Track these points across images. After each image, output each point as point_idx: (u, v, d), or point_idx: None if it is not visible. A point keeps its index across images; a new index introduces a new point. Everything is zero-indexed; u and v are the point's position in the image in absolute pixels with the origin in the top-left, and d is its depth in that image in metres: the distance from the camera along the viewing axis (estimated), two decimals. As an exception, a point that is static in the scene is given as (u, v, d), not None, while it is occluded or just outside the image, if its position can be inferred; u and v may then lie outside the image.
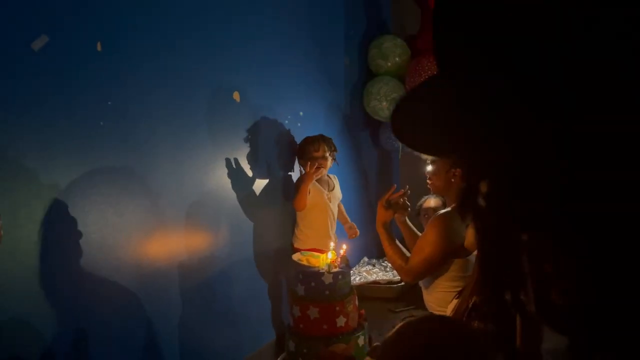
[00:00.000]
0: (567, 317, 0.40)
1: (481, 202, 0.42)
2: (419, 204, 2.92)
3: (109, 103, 1.71)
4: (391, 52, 3.40)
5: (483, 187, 0.42)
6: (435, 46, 0.44)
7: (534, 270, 0.41)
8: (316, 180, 2.61)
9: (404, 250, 2.21)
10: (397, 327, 1.00)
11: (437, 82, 0.46)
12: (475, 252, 2.08)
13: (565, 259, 0.39)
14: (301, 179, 2.57)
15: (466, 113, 0.40)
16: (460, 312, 1.60)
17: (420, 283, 2.29)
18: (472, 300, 1.56)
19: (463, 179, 0.45)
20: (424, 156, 2.19)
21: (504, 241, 0.42)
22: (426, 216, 2.74)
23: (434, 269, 2.09)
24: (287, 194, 2.64)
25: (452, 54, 0.42)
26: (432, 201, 2.89)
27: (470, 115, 0.40)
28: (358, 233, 2.72)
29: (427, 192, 2.97)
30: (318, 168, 2.53)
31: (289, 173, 2.70)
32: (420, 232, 2.48)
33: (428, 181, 2.21)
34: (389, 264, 2.93)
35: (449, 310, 1.75)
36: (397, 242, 2.25)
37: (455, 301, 1.72)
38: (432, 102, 0.46)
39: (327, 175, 2.70)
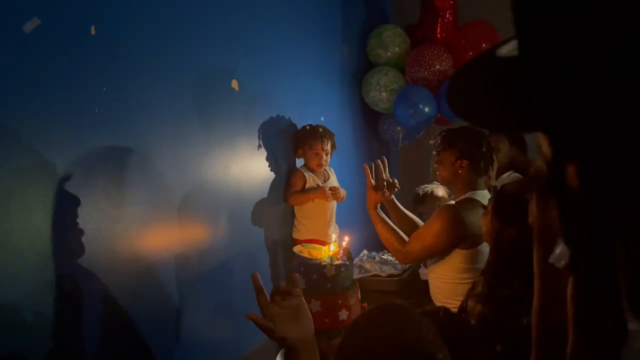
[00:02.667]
0: None
1: (573, 183, 0.37)
2: (421, 192, 2.88)
3: (104, 89, 1.65)
4: (391, 41, 3.34)
5: (571, 167, 0.37)
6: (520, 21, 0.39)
7: (632, 259, 0.36)
8: (311, 172, 2.57)
9: (400, 232, 2.18)
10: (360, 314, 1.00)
11: (514, 60, 0.42)
12: (482, 244, 2.05)
13: None
14: (301, 176, 2.52)
15: (558, 89, 0.36)
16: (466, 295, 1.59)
17: (425, 276, 2.26)
18: (485, 288, 1.54)
19: (547, 158, 0.40)
20: (433, 150, 2.17)
21: (600, 226, 0.37)
22: (435, 204, 2.72)
23: (432, 257, 2.09)
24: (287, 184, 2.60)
25: (543, 31, 0.38)
26: (440, 190, 2.86)
27: (565, 91, 0.36)
28: (341, 194, 2.60)
29: (425, 183, 2.95)
30: (334, 195, 2.52)
31: (289, 163, 2.65)
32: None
33: (437, 172, 2.19)
34: (390, 257, 2.90)
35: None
36: (392, 223, 2.23)
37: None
38: (506, 77, 0.41)
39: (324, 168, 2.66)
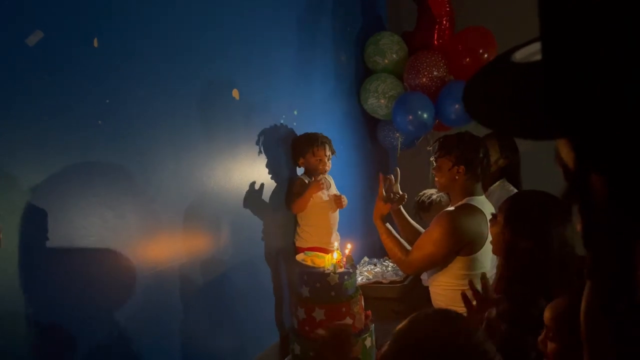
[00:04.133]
0: None
1: (596, 194, 0.37)
2: (427, 199, 2.87)
3: (107, 101, 1.65)
4: (388, 48, 3.37)
5: (595, 178, 0.38)
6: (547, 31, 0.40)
7: None
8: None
9: (403, 242, 2.19)
10: (409, 318, 1.03)
11: (535, 65, 0.42)
12: (481, 250, 2.05)
13: None
14: (301, 184, 2.53)
15: (582, 98, 0.36)
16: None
17: (427, 282, 2.26)
18: (509, 306, 1.52)
19: (569, 168, 0.41)
20: (431, 157, 2.18)
21: (621, 239, 0.37)
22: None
23: (435, 265, 2.08)
24: (288, 193, 2.60)
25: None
26: (444, 199, 2.85)
27: (590, 101, 0.36)
28: (345, 201, 2.62)
29: (423, 189, 2.95)
30: (337, 202, 2.57)
31: (290, 171, 2.66)
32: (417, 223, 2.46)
33: (435, 178, 2.19)
34: (391, 264, 2.90)
35: None
36: (396, 233, 2.23)
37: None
38: (527, 82, 0.41)
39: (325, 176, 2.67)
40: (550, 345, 1.16)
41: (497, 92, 0.47)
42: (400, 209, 2.35)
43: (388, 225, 2.24)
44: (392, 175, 2.33)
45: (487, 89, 0.49)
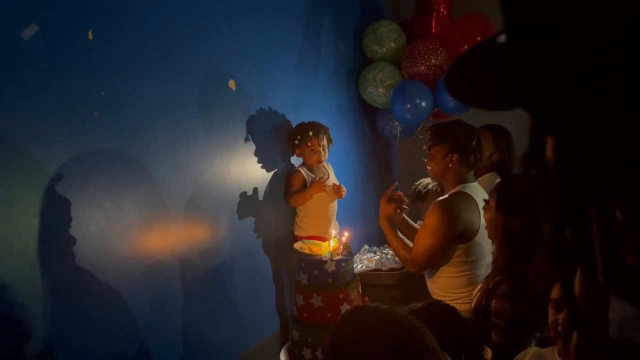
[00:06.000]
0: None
1: (549, 155, 0.40)
2: (423, 189, 2.88)
3: (103, 93, 1.67)
4: (387, 37, 3.36)
5: (549, 141, 0.40)
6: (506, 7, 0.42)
7: (604, 227, 0.39)
8: (310, 170, 2.59)
9: (407, 241, 2.20)
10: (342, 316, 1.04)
11: (499, 43, 0.44)
12: (477, 237, 2.07)
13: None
14: (299, 177, 2.54)
15: (538, 69, 0.39)
16: (483, 294, 1.60)
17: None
18: (493, 281, 1.56)
19: (530, 132, 0.43)
20: (425, 144, 2.19)
21: (574, 195, 0.40)
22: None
23: (437, 257, 2.07)
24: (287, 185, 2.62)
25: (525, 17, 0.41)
26: (440, 188, 2.86)
27: (543, 71, 0.39)
28: (344, 191, 2.64)
29: (423, 177, 2.96)
30: (337, 192, 2.58)
31: (287, 161, 2.67)
32: (418, 217, 2.48)
33: (427, 167, 2.19)
34: (390, 251, 2.93)
35: (474, 293, 1.74)
36: (400, 234, 2.23)
37: (481, 284, 1.72)
38: (493, 60, 0.44)
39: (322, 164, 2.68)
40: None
41: (477, 70, 0.49)
42: (404, 217, 2.36)
43: (393, 226, 2.25)
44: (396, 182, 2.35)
45: (465, 68, 0.51)
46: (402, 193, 2.30)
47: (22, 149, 1.44)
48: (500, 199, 1.57)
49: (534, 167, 0.43)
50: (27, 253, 1.45)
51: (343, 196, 2.63)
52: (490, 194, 1.66)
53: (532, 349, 1.34)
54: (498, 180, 2.52)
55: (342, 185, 2.64)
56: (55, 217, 1.52)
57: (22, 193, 1.44)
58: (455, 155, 2.07)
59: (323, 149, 2.55)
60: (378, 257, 2.92)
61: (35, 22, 1.45)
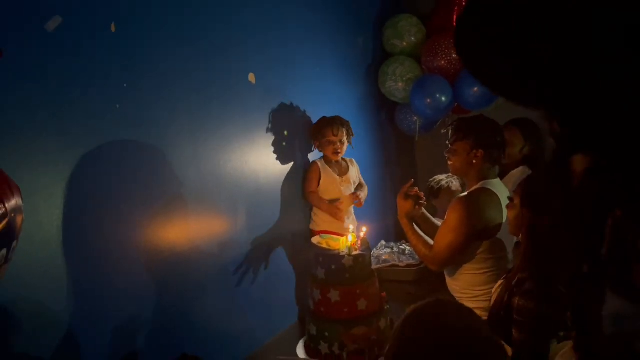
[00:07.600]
0: None
1: (577, 172, 0.38)
2: (436, 185, 2.87)
3: (124, 85, 1.68)
4: (406, 31, 3.33)
5: (578, 159, 0.39)
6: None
7: (621, 246, 0.38)
8: (328, 164, 2.59)
9: (428, 238, 2.17)
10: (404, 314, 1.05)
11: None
12: (499, 233, 2.04)
13: None
14: (314, 169, 2.54)
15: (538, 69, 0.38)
16: (504, 291, 1.58)
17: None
18: (516, 278, 1.53)
19: (558, 146, 0.42)
20: (448, 140, 2.16)
21: (598, 215, 0.39)
22: (449, 198, 2.70)
23: (458, 254, 2.03)
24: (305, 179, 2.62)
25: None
26: (454, 183, 2.85)
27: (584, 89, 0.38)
28: (362, 198, 2.63)
29: (442, 173, 2.94)
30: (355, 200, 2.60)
31: (305, 155, 2.67)
32: (432, 214, 2.45)
33: (449, 162, 2.16)
34: (407, 247, 2.91)
35: (494, 290, 1.72)
36: (421, 232, 2.20)
37: (500, 281, 1.69)
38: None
39: (343, 159, 2.67)
40: None
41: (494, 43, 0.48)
42: (424, 212, 2.33)
43: (412, 223, 2.22)
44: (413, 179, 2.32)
45: (482, 32, 0.50)
46: (418, 189, 2.27)
47: (44, 140, 1.45)
48: (526, 197, 1.54)
49: (558, 180, 0.42)
50: (47, 247, 1.47)
51: (360, 205, 2.63)
52: (514, 191, 1.63)
53: (570, 344, 1.32)
54: (529, 173, 2.49)
55: (361, 192, 2.63)
56: (77, 207, 1.54)
57: (43, 184, 1.46)
58: (479, 151, 2.04)
59: (340, 142, 2.53)
60: (395, 252, 2.90)
61: (59, 14, 1.47)
